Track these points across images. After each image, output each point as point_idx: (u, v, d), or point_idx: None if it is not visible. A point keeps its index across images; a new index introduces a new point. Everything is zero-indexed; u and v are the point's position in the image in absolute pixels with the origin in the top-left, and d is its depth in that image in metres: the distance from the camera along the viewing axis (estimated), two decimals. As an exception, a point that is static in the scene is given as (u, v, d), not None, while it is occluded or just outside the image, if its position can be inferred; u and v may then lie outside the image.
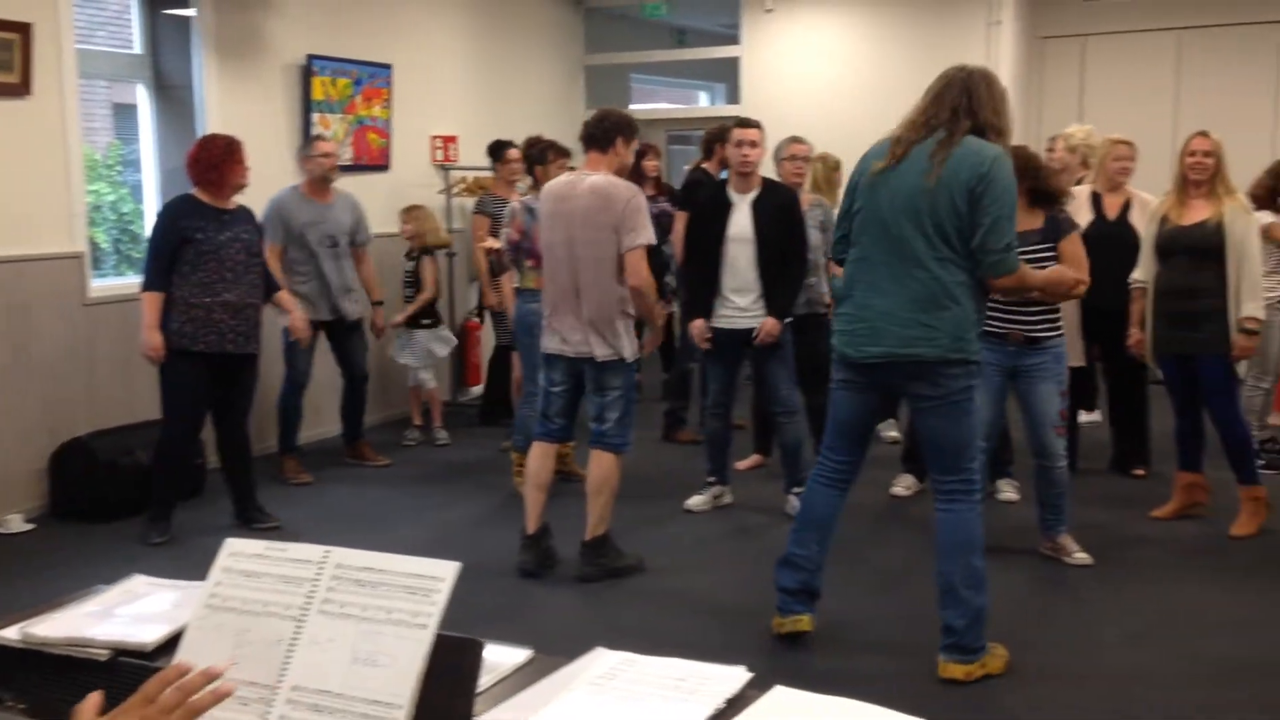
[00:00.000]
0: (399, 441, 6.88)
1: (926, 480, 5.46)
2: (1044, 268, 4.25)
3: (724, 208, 5.13)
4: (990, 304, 4.27)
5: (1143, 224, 5.49)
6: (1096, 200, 5.65)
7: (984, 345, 4.28)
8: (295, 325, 5.55)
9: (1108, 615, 4.12)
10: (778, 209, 5.11)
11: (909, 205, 3.39)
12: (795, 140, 5.73)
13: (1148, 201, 5.63)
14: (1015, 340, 4.47)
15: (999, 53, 9.23)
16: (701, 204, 5.34)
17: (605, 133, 4.48)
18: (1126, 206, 5.62)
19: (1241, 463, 4.93)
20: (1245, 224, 4.77)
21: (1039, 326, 4.47)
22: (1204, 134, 4.91)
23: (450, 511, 5.54)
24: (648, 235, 4.35)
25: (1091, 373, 6.03)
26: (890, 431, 6.65)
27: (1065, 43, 9.77)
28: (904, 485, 5.64)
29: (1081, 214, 5.44)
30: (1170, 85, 9.48)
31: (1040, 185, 4.44)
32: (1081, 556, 4.57)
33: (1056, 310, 4.49)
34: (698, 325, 5.20)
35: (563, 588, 4.47)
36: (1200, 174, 4.83)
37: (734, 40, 10.24)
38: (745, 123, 5.21)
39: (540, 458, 4.61)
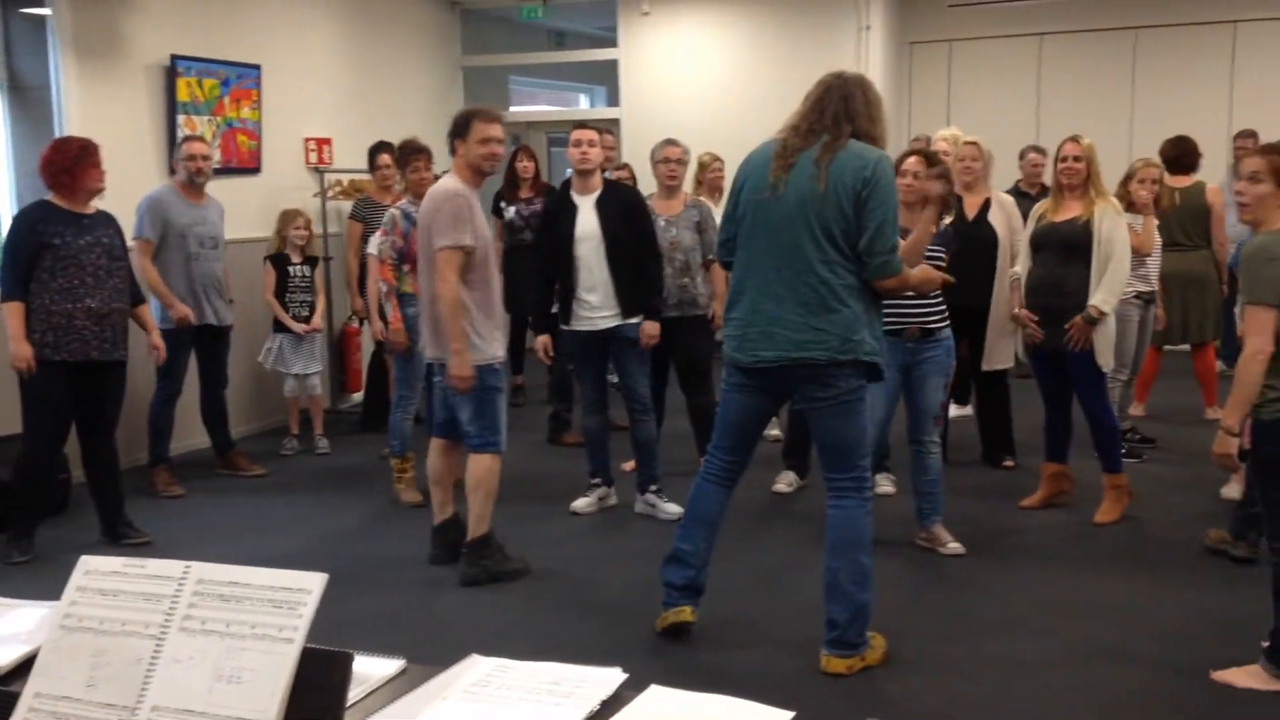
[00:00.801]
0: (276, 451, 6.72)
1: (808, 476, 5.59)
2: (941, 268, 4.44)
3: (569, 209, 5.15)
4: (885, 300, 4.44)
5: (1001, 223, 5.69)
6: (959, 201, 5.83)
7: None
8: (155, 343, 5.36)
9: (982, 603, 4.24)
10: (621, 207, 5.15)
11: (798, 210, 3.43)
12: (669, 143, 5.79)
13: (1005, 201, 5.83)
14: (912, 336, 4.59)
15: (869, 57, 9.46)
16: (547, 208, 5.36)
17: (449, 137, 4.46)
18: (985, 207, 5.80)
19: (1108, 452, 5.13)
20: (1113, 223, 4.96)
21: (932, 318, 4.61)
22: (1075, 139, 5.07)
23: (329, 521, 5.43)
24: (455, 237, 4.25)
25: (962, 368, 6.20)
26: (772, 430, 6.74)
27: (933, 48, 10.07)
28: (786, 482, 5.72)
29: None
30: (1032, 88, 9.84)
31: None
32: (955, 546, 4.70)
33: (943, 301, 4.62)
34: (541, 342, 5.32)
35: (445, 594, 4.42)
36: (1071, 178, 5.01)
37: (612, 43, 10.28)
38: (583, 124, 5.25)
39: (433, 454, 4.69)
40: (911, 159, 4.58)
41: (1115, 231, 4.94)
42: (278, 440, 6.87)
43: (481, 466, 4.46)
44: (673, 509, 5.23)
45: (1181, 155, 6.58)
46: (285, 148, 7.64)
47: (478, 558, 4.48)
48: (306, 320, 6.75)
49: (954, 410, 6.47)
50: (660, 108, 9.90)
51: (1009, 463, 6.04)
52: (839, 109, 3.49)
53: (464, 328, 4.27)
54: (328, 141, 7.94)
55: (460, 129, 4.38)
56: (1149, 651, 3.76)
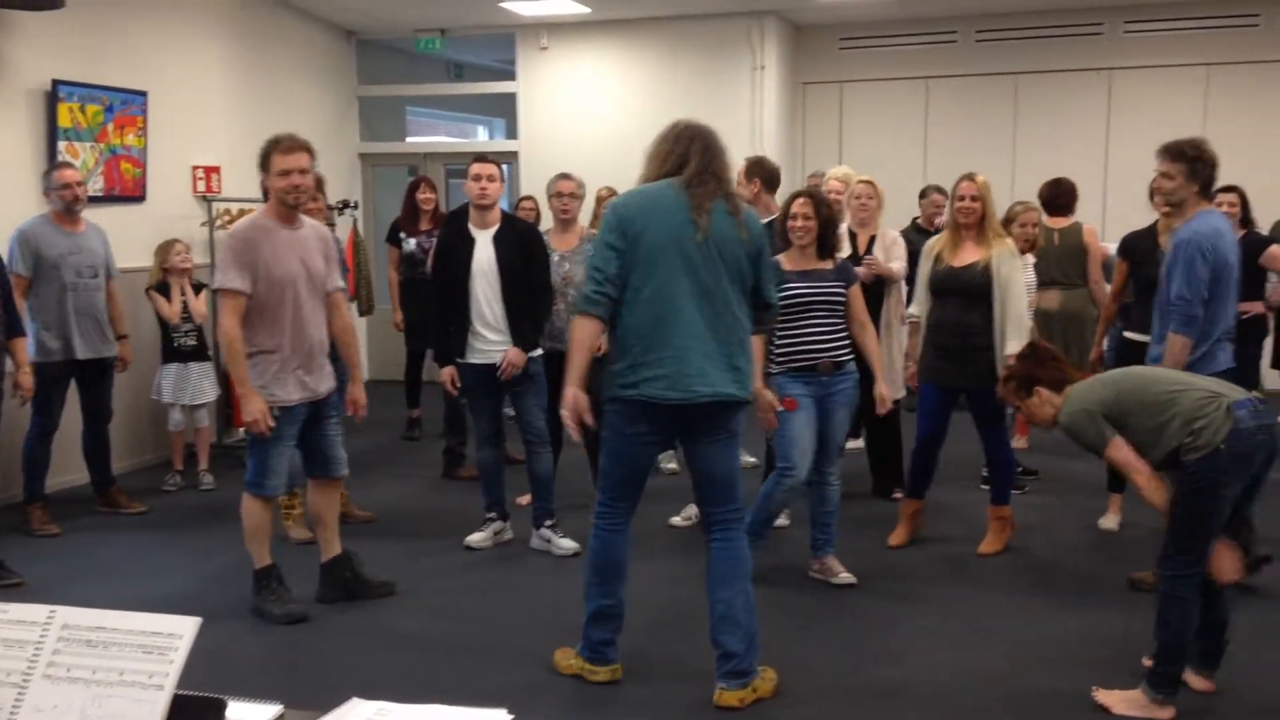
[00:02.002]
0: (158, 487, 6.51)
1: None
2: (840, 305, 4.64)
3: (466, 243, 5.13)
4: (796, 338, 4.59)
5: (884, 255, 5.83)
6: (853, 237, 5.96)
7: (797, 379, 4.50)
8: (23, 381, 5.16)
9: (872, 634, 4.30)
10: (519, 242, 5.16)
11: (719, 253, 3.50)
12: (563, 177, 5.82)
13: (893, 239, 5.96)
14: (826, 369, 4.64)
15: (764, 96, 9.66)
16: (444, 241, 5.32)
17: (259, 170, 4.44)
18: (872, 241, 5.94)
19: (1001, 485, 5.28)
20: (1011, 267, 5.09)
21: (842, 351, 4.69)
22: (970, 178, 5.18)
23: (211, 560, 5.26)
24: (223, 280, 4.23)
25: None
26: (669, 464, 6.78)
27: (825, 88, 10.31)
28: (684, 516, 5.74)
29: (841, 248, 5.76)
30: (920, 129, 10.13)
31: (833, 230, 4.71)
32: (846, 577, 4.77)
33: (847, 334, 4.72)
34: (447, 373, 5.26)
35: (330, 634, 4.32)
36: (967, 217, 5.13)
37: (511, 76, 10.30)
38: (482, 158, 5.24)
39: (309, 492, 4.71)
40: (799, 201, 4.68)
41: (1012, 274, 5.07)
42: (162, 475, 6.66)
43: (243, 505, 4.48)
44: (568, 544, 5.21)
45: (1058, 196, 6.82)
46: (172, 176, 7.46)
47: (254, 593, 4.50)
48: (193, 350, 6.58)
49: (848, 443, 6.58)
50: (558, 141, 9.94)
51: (898, 494, 6.15)
52: (719, 161, 3.60)
53: (244, 371, 4.24)
54: (216, 170, 7.78)
55: (263, 161, 4.33)
56: (1036, 679, 3.85)
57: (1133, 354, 5.01)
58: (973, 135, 9.90)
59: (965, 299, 5.08)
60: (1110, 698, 3.57)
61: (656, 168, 3.62)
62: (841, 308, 4.68)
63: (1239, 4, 9.17)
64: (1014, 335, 5.00)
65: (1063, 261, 6.71)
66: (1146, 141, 9.00)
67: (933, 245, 5.29)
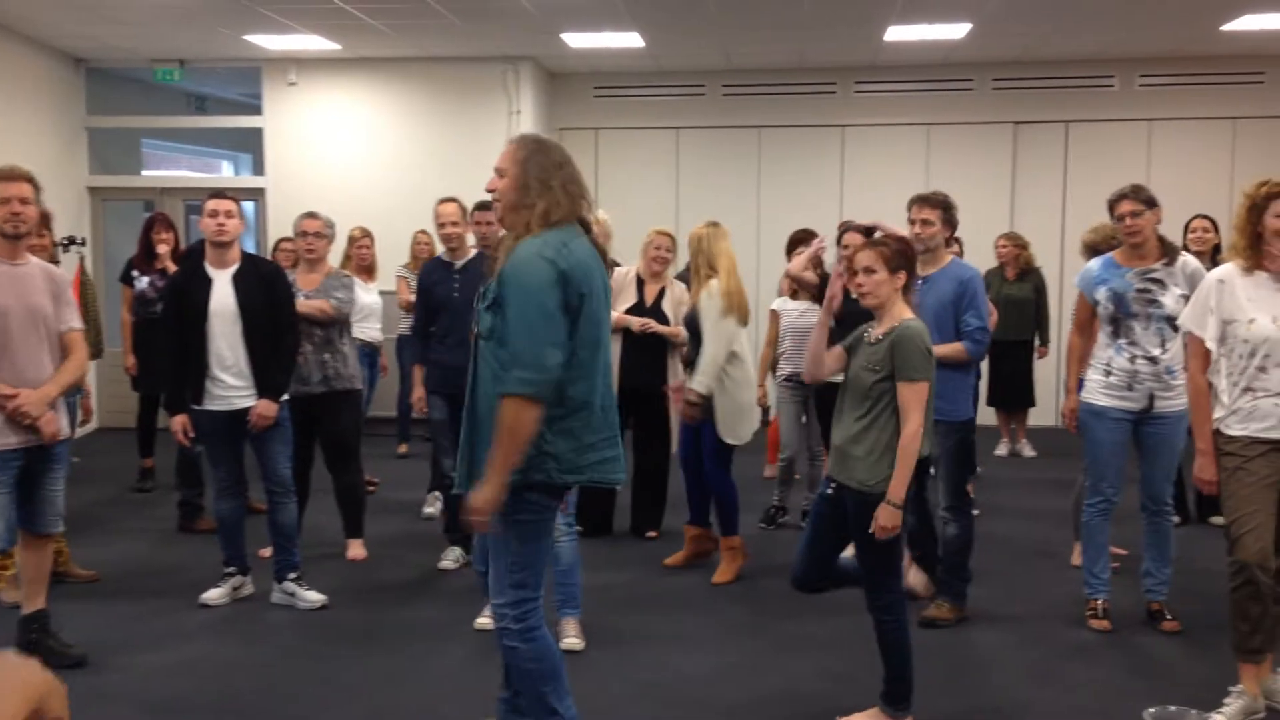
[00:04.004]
0: None
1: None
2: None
3: (202, 283, 4.89)
4: None
5: (671, 309, 5.94)
6: (640, 284, 6.05)
7: None
8: None
9: (618, 673, 4.29)
10: (260, 281, 4.94)
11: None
12: (309, 215, 5.63)
13: (682, 293, 6.07)
14: None
15: (520, 139, 9.69)
16: (177, 280, 5.05)
17: None
18: (661, 294, 6.03)
19: (724, 516, 5.49)
20: (704, 306, 5.34)
21: None
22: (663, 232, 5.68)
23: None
24: None
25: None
26: (429, 508, 6.65)
27: (580, 134, 10.48)
28: (452, 558, 5.65)
29: (626, 295, 5.96)
30: (671, 177, 10.45)
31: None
32: (572, 642, 4.43)
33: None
34: (178, 422, 4.94)
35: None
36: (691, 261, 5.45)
37: (257, 110, 9.95)
38: (219, 193, 5.00)
39: (21, 549, 4.36)
40: None
41: (706, 317, 5.31)
42: None
43: None
44: (313, 597, 5.00)
45: (798, 244, 7.15)
46: None
47: None
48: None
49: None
50: (308, 179, 9.67)
51: (653, 533, 6.25)
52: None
53: None
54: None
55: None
56: (771, 712, 3.96)
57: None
58: (721, 183, 10.30)
59: (695, 337, 5.41)
60: (852, 720, 3.73)
61: (565, 205, 3.01)
62: None
63: (955, 70, 9.96)
64: (700, 372, 5.29)
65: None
66: (877, 191, 9.72)
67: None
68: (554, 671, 3.08)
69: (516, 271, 2.90)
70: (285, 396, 5.04)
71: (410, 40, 9.01)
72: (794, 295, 6.32)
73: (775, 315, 6.49)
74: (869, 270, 3.62)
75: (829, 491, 3.70)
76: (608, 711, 3.87)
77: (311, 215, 5.65)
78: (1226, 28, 8.45)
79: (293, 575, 5.07)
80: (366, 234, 8.01)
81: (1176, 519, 6.12)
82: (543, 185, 2.97)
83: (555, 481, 2.97)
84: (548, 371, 2.86)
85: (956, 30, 8.61)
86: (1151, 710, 3.78)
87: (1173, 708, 3.78)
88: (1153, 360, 4.56)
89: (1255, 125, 9.72)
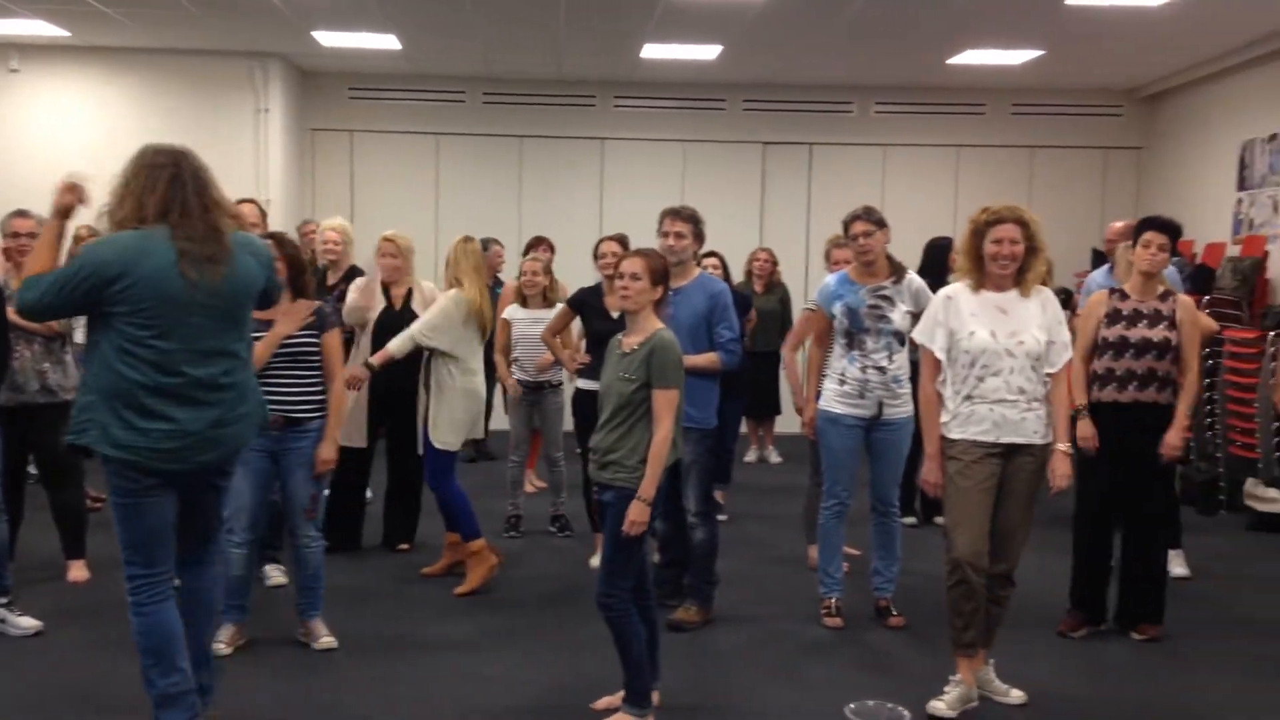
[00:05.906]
0: None
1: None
2: (315, 355, 4.47)
3: None
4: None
5: (422, 309, 5.77)
6: (386, 290, 5.90)
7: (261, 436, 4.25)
8: None
9: (354, 697, 4.15)
10: None
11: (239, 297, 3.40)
12: (19, 214, 5.21)
13: (428, 291, 5.96)
14: (276, 424, 4.39)
15: (268, 139, 9.37)
16: None
17: None
18: (409, 296, 5.93)
19: (457, 521, 5.43)
20: (449, 307, 5.37)
21: (301, 408, 4.47)
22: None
23: None
24: None
25: (370, 454, 6.14)
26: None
27: (334, 135, 10.19)
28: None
29: (375, 300, 5.86)
30: (431, 183, 10.30)
31: (305, 276, 4.55)
32: (328, 641, 4.57)
33: (321, 391, 4.52)
34: None
35: None
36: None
37: (-33, 97, 9.16)
38: None
39: None
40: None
41: (440, 308, 5.41)
42: None
43: None
44: (26, 623, 4.62)
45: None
46: None
47: None
48: None
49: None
50: (31, 173, 8.92)
51: (405, 546, 6.13)
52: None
53: None
54: None
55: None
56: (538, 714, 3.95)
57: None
58: (481, 191, 10.24)
59: None
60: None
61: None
62: (312, 358, 4.51)
63: (708, 89, 10.28)
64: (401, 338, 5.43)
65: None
66: (636, 204, 9.88)
67: None
68: (159, 645, 3.34)
69: None
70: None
71: (147, 30, 8.49)
72: (524, 304, 6.38)
73: (506, 324, 6.45)
74: (635, 277, 3.79)
75: (606, 499, 3.78)
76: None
77: (23, 214, 5.22)
78: (952, 61, 9.09)
79: (2, 600, 4.65)
80: (94, 234, 7.44)
81: (911, 520, 6.57)
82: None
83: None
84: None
85: (709, 51, 8.89)
86: (852, 706, 4.01)
87: (871, 702, 4.04)
88: (882, 370, 4.85)
89: (976, 153, 10.50)
